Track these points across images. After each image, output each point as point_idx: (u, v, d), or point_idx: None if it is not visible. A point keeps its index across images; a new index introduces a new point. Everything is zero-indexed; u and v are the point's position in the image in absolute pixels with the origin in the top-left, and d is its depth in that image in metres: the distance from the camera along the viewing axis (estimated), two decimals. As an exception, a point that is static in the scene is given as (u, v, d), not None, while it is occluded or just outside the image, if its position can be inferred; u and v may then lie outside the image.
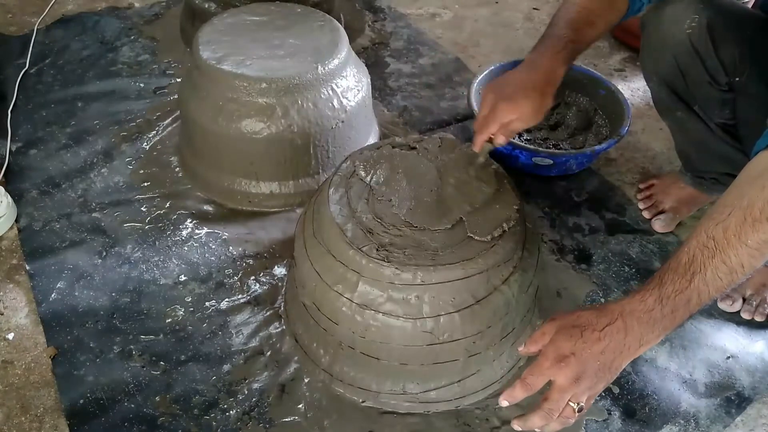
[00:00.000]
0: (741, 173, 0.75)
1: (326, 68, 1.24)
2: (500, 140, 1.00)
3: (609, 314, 0.74)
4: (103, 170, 1.39)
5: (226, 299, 1.15)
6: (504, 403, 0.76)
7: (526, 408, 0.78)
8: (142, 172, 1.39)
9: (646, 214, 1.35)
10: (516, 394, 0.75)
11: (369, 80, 1.38)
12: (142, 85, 1.63)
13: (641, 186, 1.40)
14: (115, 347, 1.06)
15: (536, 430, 0.76)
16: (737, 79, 1.04)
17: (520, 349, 0.79)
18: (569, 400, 0.73)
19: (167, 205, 1.32)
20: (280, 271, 1.20)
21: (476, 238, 0.92)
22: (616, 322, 0.73)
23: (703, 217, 0.75)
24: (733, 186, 0.74)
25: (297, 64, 1.23)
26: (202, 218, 1.30)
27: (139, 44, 1.78)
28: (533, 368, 0.75)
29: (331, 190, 0.99)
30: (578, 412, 0.73)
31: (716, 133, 1.15)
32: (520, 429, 0.76)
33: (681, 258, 0.73)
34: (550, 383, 0.74)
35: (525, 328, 1.05)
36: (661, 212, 1.32)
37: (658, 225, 1.31)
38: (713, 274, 0.70)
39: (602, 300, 1.18)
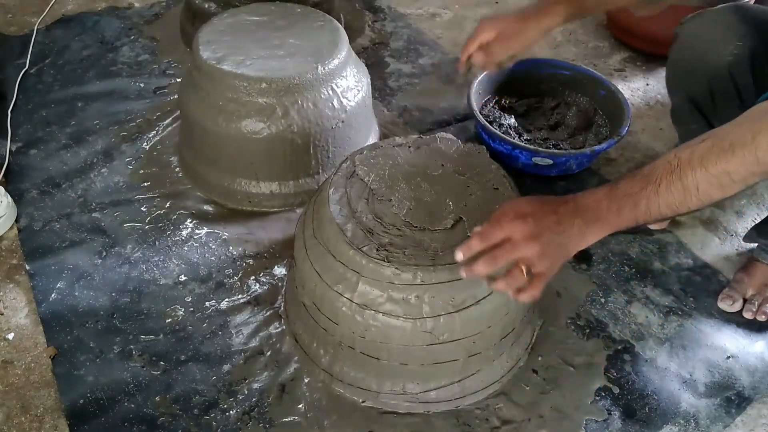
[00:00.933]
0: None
1: (326, 68, 1.24)
2: (476, 59, 1.04)
3: (562, 198, 0.77)
4: (103, 170, 1.39)
5: (226, 299, 1.15)
6: (459, 255, 0.76)
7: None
8: (142, 172, 1.39)
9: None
10: (472, 245, 0.75)
11: (369, 80, 1.38)
12: (142, 85, 1.63)
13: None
14: (115, 347, 1.06)
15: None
16: None
17: (475, 229, 0.77)
18: (521, 262, 0.74)
19: (167, 205, 1.32)
20: (280, 271, 1.20)
21: (476, 238, 0.92)
22: (568, 204, 0.76)
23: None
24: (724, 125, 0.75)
25: (297, 64, 1.23)
26: (202, 218, 1.30)
27: (139, 44, 1.78)
28: (492, 222, 0.76)
29: (331, 190, 0.99)
30: (527, 275, 0.74)
31: None
32: (464, 275, 0.76)
33: (644, 168, 0.75)
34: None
35: (525, 328, 1.05)
36: None
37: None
38: (666, 187, 0.72)
39: (602, 300, 1.17)
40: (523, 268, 0.74)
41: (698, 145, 0.72)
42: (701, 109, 1.12)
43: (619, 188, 0.75)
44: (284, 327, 1.10)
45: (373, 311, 0.91)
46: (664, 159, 0.74)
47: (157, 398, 1.00)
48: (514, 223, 0.74)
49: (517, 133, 1.46)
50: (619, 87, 1.48)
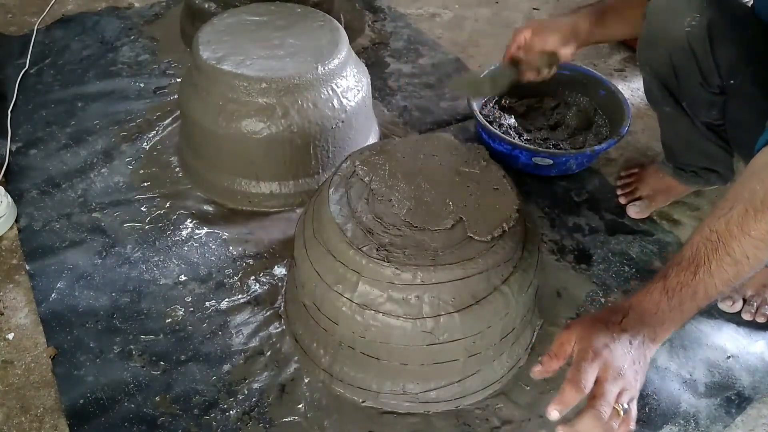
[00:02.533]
0: (745, 170, 0.75)
1: (326, 68, 1.24)
2: (518, 54, 1.21)
3: (621, 309, 0.75)
4: (103, 170, 1.39)
5: (226, 299, 1.15)
6: (554, 414, 0.70)
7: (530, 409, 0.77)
8: (142, 172, 1.39)
9: (621, 200, 1.37)
10: (567, 399, 0.69)
11: (369, 80, 1.38)
12: (142, 85, 1.63)
13: (622, 173, 1.42)
14: (115, 347, 1.06)
15: None
16: (732, 81, 1.04)
17: (536, 371, 0.75)
18: (616, 404, 0.70)
19: (167, 205, 1.32)
20: (280, 271, 1.20)
21: (476, 238, 0.92)
22: (629, 314, 0.74)
23: (707, 215, 0.75)
24: (736, 182, 0.74)
25: (297, 64, 1.23)
26: (202, 218, 1.30)
27: (139, 44, 1.78)
28: (576, 366, 0.70)
29: (331, 190, 0.99)
30: (624, 415, 0.69)
31: (701, 130, 1.17)
32: None
33: (685, 252, 0.73)
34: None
35: (525, 328, 1.05)
36: (637, 199, 1.34)
37: (632, 211, 1.33)
38: (718, 266, 0.70)
39: (602, 300, 1.18)
40: (620, 409, 0.70)
41: (730, 214, 0.70)
42: (668, 86, 1.13)
43: (671, 281, 0.72)
44: (284, 327, 1.10)
45: (373, 311, 0.91)
46: (701, 236, 0.72)
47: (157, 398, 1.00)
48: (599, 359, 0.70)
49: (517, 133, 1.46)
50: (619, 87, 1.48)
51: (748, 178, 0.72)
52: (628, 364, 0.71)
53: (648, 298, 0.73)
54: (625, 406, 0.70)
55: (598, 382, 0.70)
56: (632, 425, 0.71)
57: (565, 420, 0.70)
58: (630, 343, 0.72)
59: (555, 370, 0.74)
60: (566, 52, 1.18)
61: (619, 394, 0.70)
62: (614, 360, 0.70)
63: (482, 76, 1.32)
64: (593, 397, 0.69)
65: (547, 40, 1.17)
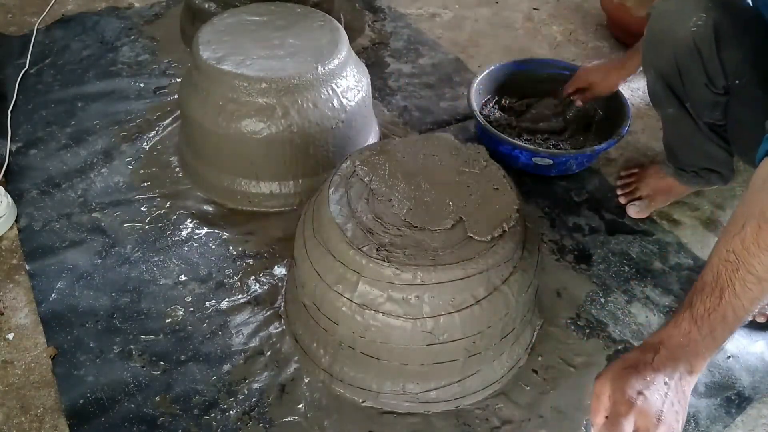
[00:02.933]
0: (749, 185, 0.74)
1: (326, 68, 1.24)
2: (576, 98, 1.47)
3: (651, 348, 0.73)
4: (103, 170, 1.39)
5: (226, 299, 1.15)
6: None
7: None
8: (142, 172, 1.39)
9: (621, 200, 1.37)
10: None
11: (369, 80, 1.38)
12: (142, 85, 1.63)
13: (623, 173, 1.42)
14: (115, 347, 1.06)
15: None
16: (737, 82, 1.04)
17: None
18: None
19: (167, 205, 1.32)
20: (280, 271, 1.20)
21: (476, 238, 0.92)
22: (660, 351, 0.72)
23: (720, 235, 0.73)
24: (743, 198, 0.73)
25: (297, 64, 1.23)
26: (202, 218, 1.30)
27: (139, 44, 1.78)
28: (612, 420, 0.69)
29: (331, 190, 0.99)
30: None
31: (703, 131, 1.17)
32: None
33: (705, 278, 0.72)
34: None
35: (525, 328, 1.05)
36: (637, 199, 1.34)
37: (632, 210, 1.33)
38: (742, 286, 0.69)
39: (602, 300, 1.18)
40: None
41: (744, 232, 0.69)
42: (672, 86, 1.13)
43: (697, 309, 0.71)
44: (284, 327, 1.10)
45: (373, 311, 0.91)
46: (719, 258, 0.71)
47: (157, 398, 1.00)
48: (635, 410, 0.68)
49: (517, 133, 1.46)
50: (619, 87, 1.48)
51: (755, 193, 0.72)
52: (666, 407, 0.69)
53: (677, 331, 0.72)
54: None
55: (637, 429, 0.68)
56: None
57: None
58: (666, 384, 0.70)
59: (604, 423, 0.71)
60: (609, 83, 1.41)
61: None
62: (651, 407, 0.68)
63: None
64: None
65: (598, 94, 1.44)
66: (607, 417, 0.70)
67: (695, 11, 1.02)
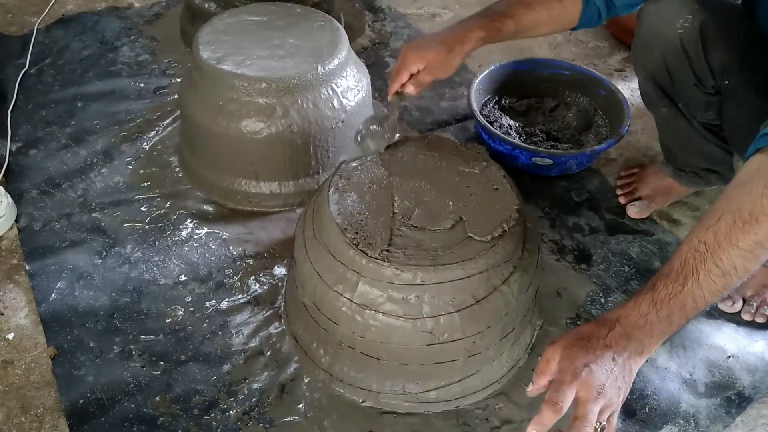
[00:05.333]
0: (733, 180, 0.75)
1: (326, 68, 1.24)
2: (409, 90, 1.05)
3: (607, 323, 0.74)
4: (103, 170, 1.39)
5: (226, 299, 1.15)
6: None
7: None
8: (142, 172, 1.39)
9: (621, 200, 1.37)
10: (545, 420, 0.70)
11: (369, 80, 1.38)
12: (142, 85, 1.63)
13: (622, 173, 1.43)
14: (115, 347, 1.06)
15: None
16: (726, 82, 1.04)
17: (529, 390, 0.76)
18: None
19: (167, 205, 1.32)
20: (280, 271, 1.20)
21: (476, 238, 0.92)
22: (615, 328, 0.73)
23: (695, 225, 0.75)
24: (724, 192, 0.74)
25: (297, 64, 1.23)
26: (202, 218, 1.30)
27: (139, 44, 1.78)
28: (555, 386, 0.71)
29: (331, 190, 0.99)
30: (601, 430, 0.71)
31: (699, 131, 1.17)
32: None
33: (673, 264, 0.73)
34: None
35: (525, 328, 1.05)
36: (637, 199, 1.34)
37: (632, 211, 1.33)
38: (706, 277, 0.70)
39: (602, 300, 1.18)
40: (598, 426, 0.70)
41: (718, 224, 0.70)
42: (663, 87, 1.13)
43: (659, 293, 0.72)
44: (284, 327, 1.10)
45: (373, 311, 0.91)
46: (689, 247, 0.72)
47: (157, 398, 1.00)
48: (579, 379, 0.70)
49: (517, 133, 1.46)
50: (619, 87, 1.48)
51: (735, 189, 0.72)
52: (610, 381, 0.71)
53: (636, 311, 0.73)
54: (603, 423, 0.71)
55: (579, 402, 0.70)
56: None
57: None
58: (614, 359, 0.72)
59: (545, 385, 0.74)
60: (451, 63, 1.04)
61: (601, 412, 0.70)
62: (595, 379, 0.70)
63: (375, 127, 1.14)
64: (575, 419, 0.70)
65: (437, 75, 1.05)
66: (550, 382, 0.73)
67: (682, 12, 1.02)
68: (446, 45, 1.03)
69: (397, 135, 1.12)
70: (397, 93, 1.07)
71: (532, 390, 0.76)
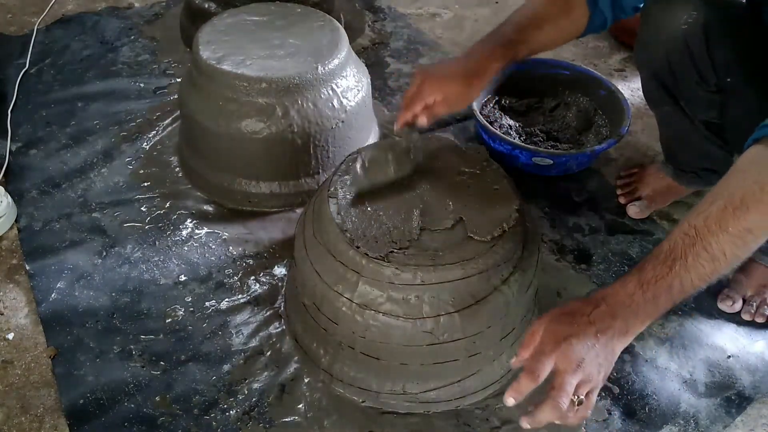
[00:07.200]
0: (730, 168, 0.75)
1: (326, 68, 1.24)
2: (422, 121, 1.01)
3: (593, 301, 0.75)
4: (103, 170, 1.39)
5: (226, 299, 1.15)
6: (510, 401, 0.73)
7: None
8: (142, 172, 1.39)
9: (621, 200, 1.37)
10: (522, 388, 0.72)
11: (369, 80, 1.38)
12: (142, 85, 1.63)
13: (622, 173, 1.42)
14: (115, 347, 1.06)
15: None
16: (728, 80, 1.04)
17: (512, 362, 0.77)
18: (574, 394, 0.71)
19: (167, 205, 1.32)
20: (280, 271, 1.20)
21: (476, 238, 0.92)
22: (600, 306, 0.74)
23: (688, 212, 0.75)
24: (719, 181, 0.75)
25: (297, 64, 1.23)
26: (202, 218, 1.30)
27: (139, 44, 1.78)
28: (534, 356, 0.73)
29: (331, 190, 0.99)
30: (578, 405, 0.71)
31: (700, 129, 1.17)
32: (529, 426, 0.73)
33: (662, 247, 0.73)
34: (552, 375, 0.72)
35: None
36: (637, 199, 1.34)
37: (633, 211, 1.33)
38: (694, 260, 0.70)
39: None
40: (575, 399, 0.71)
41: (709, 209, 0.71)
42: (665, 85, 1.13)
43: (646, 274, 0.72)
44: (284, 327, 1.10)
45: (373, 311, 0.91)
46: (680, 231, 0.72)
47: (157, 398, 1.00)
48: (558, 350, 0.71)
49: (517, 133, 1.46)
50: (619, 87, 1.48)
51: (730, 176, 0.73)
52: (590, 357, 0.71)
53: (623, 291, 0.73)
54: (581, 397, 0.71)
55: (557, 373, 0.71)
56: (587, 413, 0.73)
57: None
58: (596, 336, 0.72)
59: (528, 358, 0.75)
60: (469, 98, 1.03)
61: (579, 386, 0.71)
62: (574, 352, 0.71)
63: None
64: (552, 388, 0.71)
65: (454, 108, 1.02)
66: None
67: (686, 10, 1.02)
68: (465, 78, 1.00)
69: (408, 168, 1.03)
70: (407, 124, 1.01)
71: (515, 362, 0.76)
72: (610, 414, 1.00)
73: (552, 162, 1.36)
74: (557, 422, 0.72)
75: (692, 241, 0.71)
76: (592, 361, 0.71)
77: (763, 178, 0.69)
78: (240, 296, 1.15)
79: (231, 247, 1.24)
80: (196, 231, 1.27)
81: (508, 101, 1.57)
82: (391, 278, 0.89)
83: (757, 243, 0.70)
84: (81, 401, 0.99)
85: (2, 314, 1.11)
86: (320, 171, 1.31)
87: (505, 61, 1.02)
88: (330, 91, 1.26)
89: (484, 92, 1.52)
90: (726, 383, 1.06)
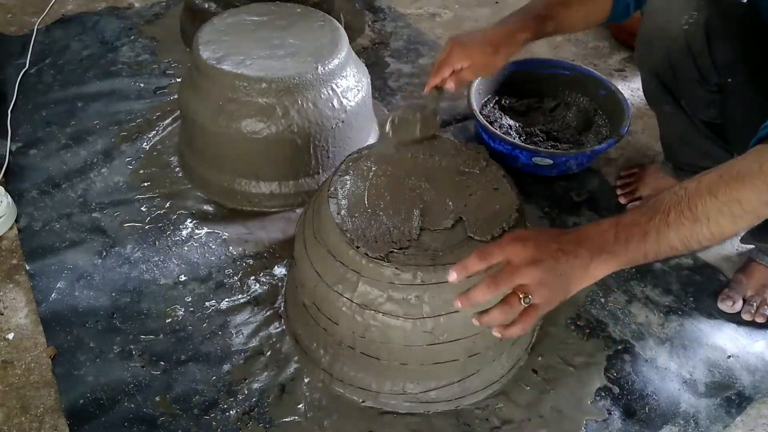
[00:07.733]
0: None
1: (326, 68, 1.24)
2: (449, 85, 1.07)
3: (564, 231, 0.75)
4: (103, 170, 1.39)
5: (226, 299, 1.15)
6: (453, 275, 0.72)
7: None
8: (142, 172, 1.39)
9: (621, 200, 1.37)
10: (469, 264, 0.72)
11: (369, 80, 1.38)
12: (142, 85, 1.63)
13: (622, 173, 1.42)
14: (115, 347, 1.06)
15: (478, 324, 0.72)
16: (729, 80, 1.04)
17: (451, 273, 0.74)
18: (518, 291, 0.70)
19: (167, 205, 1.32)
20: (280, 271, 1.20)
21: (476, 238, 0.92)
22: (570, 233, 0.73)
23: None
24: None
25: (297, 64, 1.23)
26: (202, 218, 1.30)
27: (139, 44, 1.78)
28: (491, 244, 0.73)
29: (331, 190, 0.99)
30: (524, 304, 0.70)
31: (700, 129, 1.17)
32: (461, 306, 0.72)
33: (649, 203, 0.73)
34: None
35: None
36: (637, 199, 1.34)
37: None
38: (677, 217, 0.70)
39: (602, 300, 1.17)
40: (521, 296, 0.70)
41: (705, 176, 0.71)
42: (666, 84, 1.13)
43: (625, 219, 0.72)
44: (284, 327, 1.10)
45: (373, 311, 0.91)
46: (671, 191, 0.72)
47: (157, 398, 1.00)
48: (514, 245, 0.71)
49: (517, 133, 1.46)
50: (619, 87, 1.48)
51: (734, 161, 0.73)
52: (545, 267, 0.70)
53: (596, 228, 0.73)
54: (529, 298, 0.70)
55: (507, 263, 0.71)
56: (527, 327, 0.72)
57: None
58: (558, 252, 0.71)
59: (473, 269, 0.74)
60: (495, 64, 1.06)
61: (524, 287, 0.70)
62: (533, 250, 0.70)
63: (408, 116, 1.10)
64: (499, 272, 0.70)
65: (480, 74, 1.11)
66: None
67: (687, 8, 1.02)
68: (493, 46, 1.04)
69: (432, 130, 1.08)
70: (435, 87, 1.07)
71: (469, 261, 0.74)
72: (610, 414, 1.00)
73: (552, 162, 1.36)
74: (496, 334, 0.72)
75: (678, 200, 0.70)
76: (547, 272, 0.70)
77: (763, 157, 0.69)
78: (240, 296, 1.15)
79: (231, 247, 1.24)
80: (196, 231, 1.27)
81: (508, 101, 1.57)
82: (391, 278, 0.89)
83: (745, 221, 0.70)
84: (81, 401, 0.99)
85: (2, 314, 1.11)
86: (320, 171, 1.31)
87: (532, 34, 1.05)
88: (330, 91, 1.26)
89: (484, 90, 1.53)
90: (726, 383, 1.06)
